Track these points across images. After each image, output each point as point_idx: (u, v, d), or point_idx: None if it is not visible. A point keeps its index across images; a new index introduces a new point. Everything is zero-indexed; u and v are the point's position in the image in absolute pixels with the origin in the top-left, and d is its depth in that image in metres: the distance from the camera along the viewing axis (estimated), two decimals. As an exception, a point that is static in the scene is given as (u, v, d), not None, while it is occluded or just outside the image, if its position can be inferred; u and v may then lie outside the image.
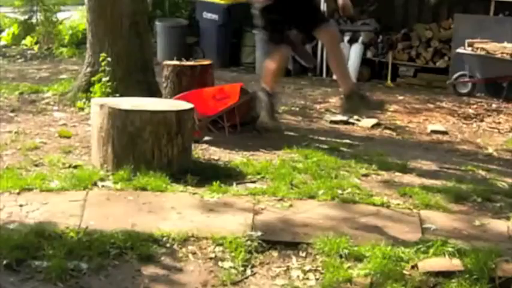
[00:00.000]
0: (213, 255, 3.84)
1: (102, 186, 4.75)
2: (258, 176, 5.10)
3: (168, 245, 3.90)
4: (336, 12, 9.26)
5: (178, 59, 6.88)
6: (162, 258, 3.80)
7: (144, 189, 4.65)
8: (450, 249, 3.85)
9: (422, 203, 4.66)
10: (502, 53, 8.80)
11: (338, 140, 6.37)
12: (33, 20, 12.10)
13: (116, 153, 5.00)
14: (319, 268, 3.76)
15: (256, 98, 5.68)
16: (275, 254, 3.91)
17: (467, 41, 9.08)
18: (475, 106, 8.47)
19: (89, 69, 7.29)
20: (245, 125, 6.52)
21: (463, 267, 3.69)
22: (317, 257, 3.86)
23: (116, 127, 4.98)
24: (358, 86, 5.92)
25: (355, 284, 3.60)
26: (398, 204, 4.66)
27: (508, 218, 4.50)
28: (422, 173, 5.45)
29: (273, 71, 5.42)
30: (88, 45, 7.41)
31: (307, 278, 3.70)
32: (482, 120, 7.79)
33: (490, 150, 6.52)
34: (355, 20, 10.49)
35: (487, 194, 4.97)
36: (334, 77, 10.01)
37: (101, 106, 5.08)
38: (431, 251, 3.85)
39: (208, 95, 6.36)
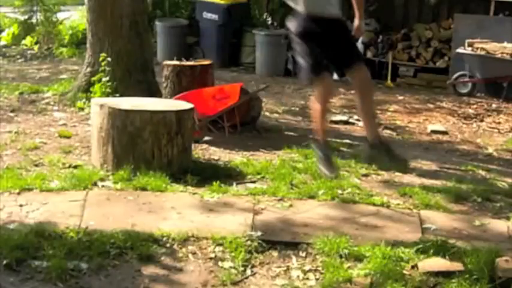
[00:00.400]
0: (213, 255, 3.84)
1: (102, 186, 4.75)
2: (258, 176, 5.10)
3: (168, 245, 3.90)
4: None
5: (178, 59, 6.88)
6: (162, 258, 3.79)
7: (144, 189, 4.64)
8: (450, 249, 3.85)
9: (422, 203, 4.65)
10: (502, 53, 8.81)
11: (338, 140, 6.35)
12: (33, 20, 12.10)
13: (116, 153, 5.00)
14: (319, 268, 3.76)
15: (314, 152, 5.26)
16: (275, 254, 3.90)
17: (467, 41, 9.09)
18: (475, 106, 8.48)
19: (89, 69, 7.30)
20: (245, 125, 6.53)
21: (463, 267, 3.68)
22: (317, 257, 3.86)
23: (116, 127, 4.98)
24: (386, 140, 5.69)
25: (355, 284, 3.59)
26: (398, 204, 4.65)
27: (508, 218, 4.49)
28: (422, 173, 5.45)
29: (319, 111, 5.10)
30: (88, 45, 7.41)
31: (307, 278, 3.69)
32: (482, 120, 7.80)
33: (490, 150, 6.51)
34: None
35: (487, 194, 4.96)
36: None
37: (101, 106, 5.08)
38: (431, 251, 3.84)
39: (208, 95, 6.36)
